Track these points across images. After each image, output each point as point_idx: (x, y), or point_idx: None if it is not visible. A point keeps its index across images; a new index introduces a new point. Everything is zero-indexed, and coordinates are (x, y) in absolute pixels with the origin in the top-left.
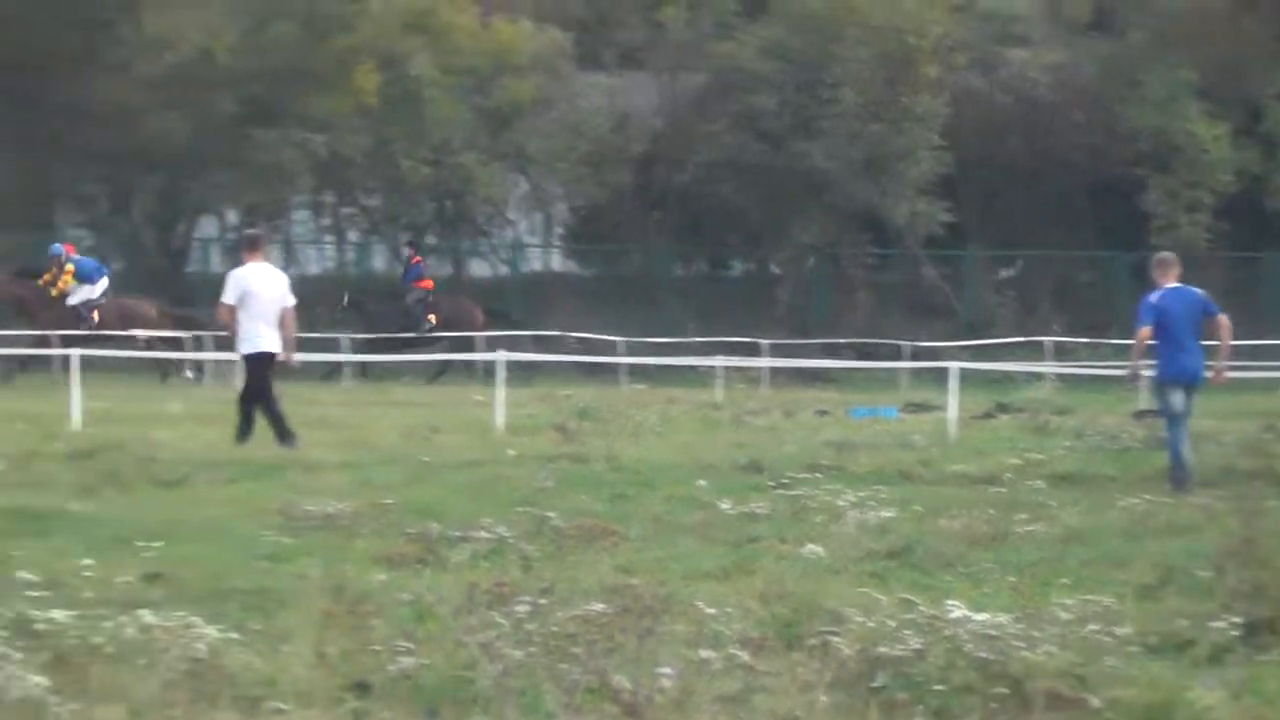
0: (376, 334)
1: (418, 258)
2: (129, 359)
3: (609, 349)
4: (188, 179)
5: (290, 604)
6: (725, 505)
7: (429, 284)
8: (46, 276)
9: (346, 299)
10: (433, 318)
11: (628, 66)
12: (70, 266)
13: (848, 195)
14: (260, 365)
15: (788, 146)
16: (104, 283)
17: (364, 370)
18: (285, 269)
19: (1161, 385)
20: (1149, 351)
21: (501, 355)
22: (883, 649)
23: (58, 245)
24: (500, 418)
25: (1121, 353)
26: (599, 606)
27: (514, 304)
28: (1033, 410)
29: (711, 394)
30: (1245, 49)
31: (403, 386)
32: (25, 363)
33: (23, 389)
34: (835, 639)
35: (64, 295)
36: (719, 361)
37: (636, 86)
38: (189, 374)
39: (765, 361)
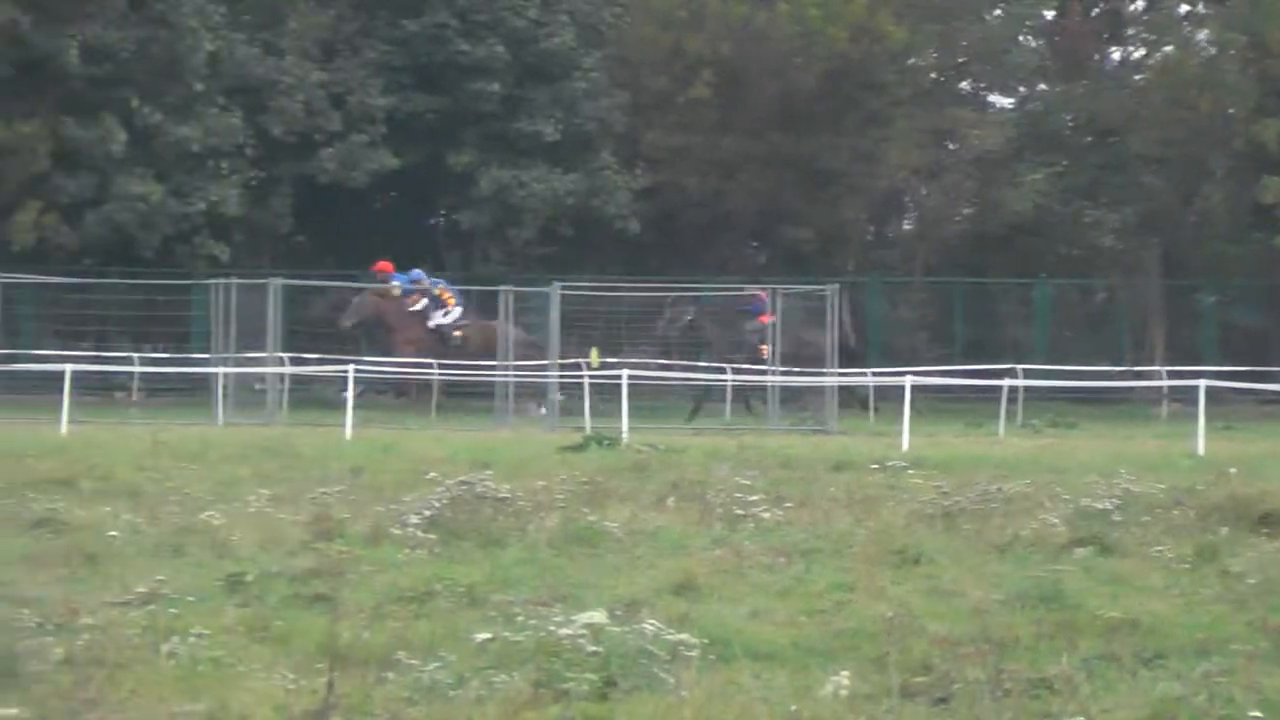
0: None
1: (763, 293)
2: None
3: None
4: None
5: None
6: None
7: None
8: (411, 298)
9: (692, 313)
10: (763, 349)
11: None
12: (444, 288)
13: None
14: None
15: None
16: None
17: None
18: None
19: None
20: None
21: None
22: None
23: (418, 271)
24: None
25: None
26: None
27: None
28: None
29: None
30: None
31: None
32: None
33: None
34: None
35: (424, 315)
36: None
37: None
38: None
39: None
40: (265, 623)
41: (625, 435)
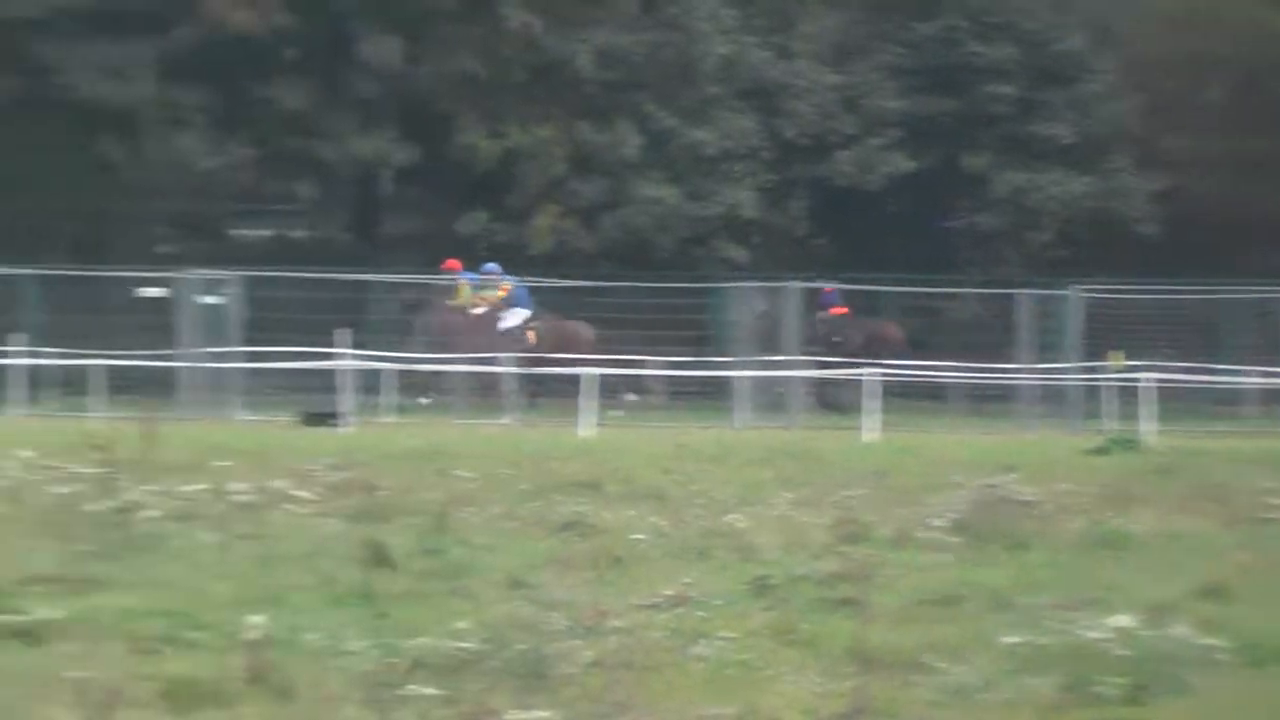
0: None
1: (829, 288)
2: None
3: None
4: None
5: None
6: None
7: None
8: (475, 297)
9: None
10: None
11: None
12: (506, 285)
13: None
14: None
15: None
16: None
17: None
18: None
19: None
20: None
21: None
22: None
23: (492, 264)
24: None
25: None
26: None
27: None
28: None
29: None
30: None
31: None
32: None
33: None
34: None
35: (493, 319)
36: None
37: None
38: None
39: None
40: (792, 626)
41: (1147, 437)
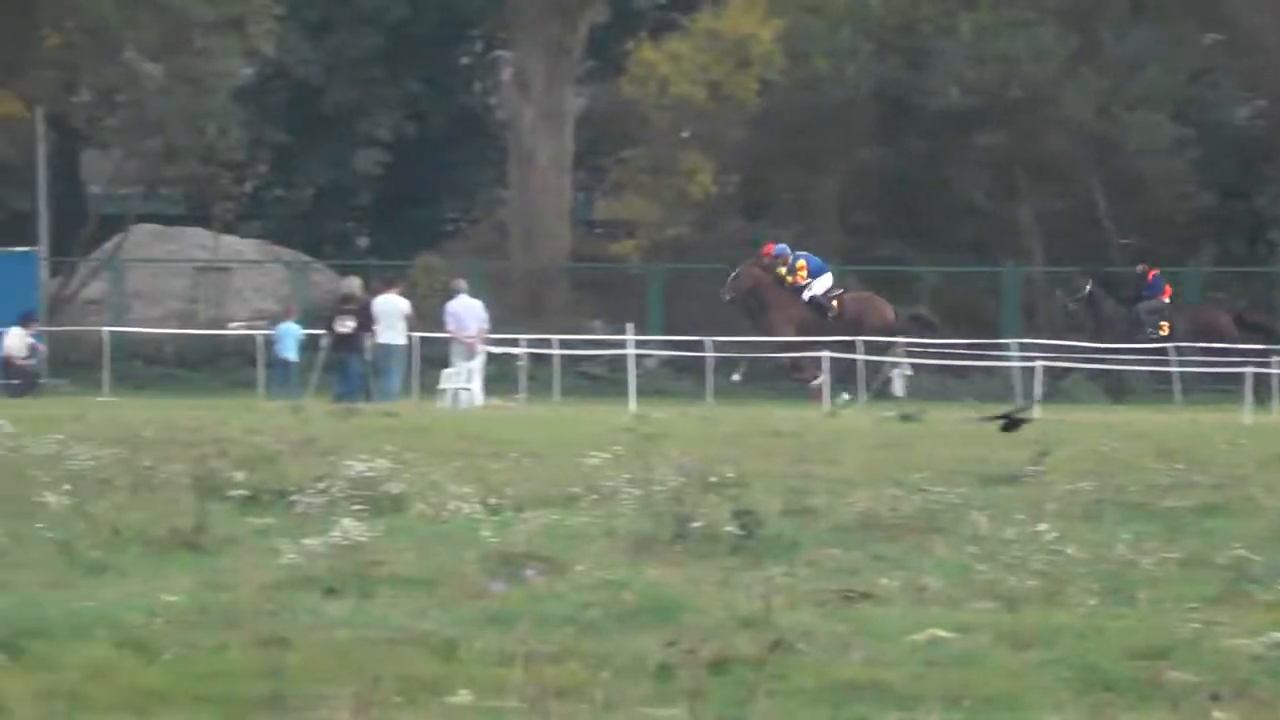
0: (1102, 337)
1: (1153, 271)
2: None
3: None
4: None
5: None
6: None
7: (1168, 292)
8: (781, 271)
9: (1089, 288)
10: (1164, 326)
11: None
12: (802, 263)
13: None
14: None
15: None
16: (828, 276)
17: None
18: None
19: None
20: None
21: None
22: None
23: (783, 246)
24: None
25: None
26: None
27: None
28: None
29: None
30: None
31: None
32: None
33: None
34: None
35: (800, 289)
36: None
37: None
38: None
39: None
40: None
41: None
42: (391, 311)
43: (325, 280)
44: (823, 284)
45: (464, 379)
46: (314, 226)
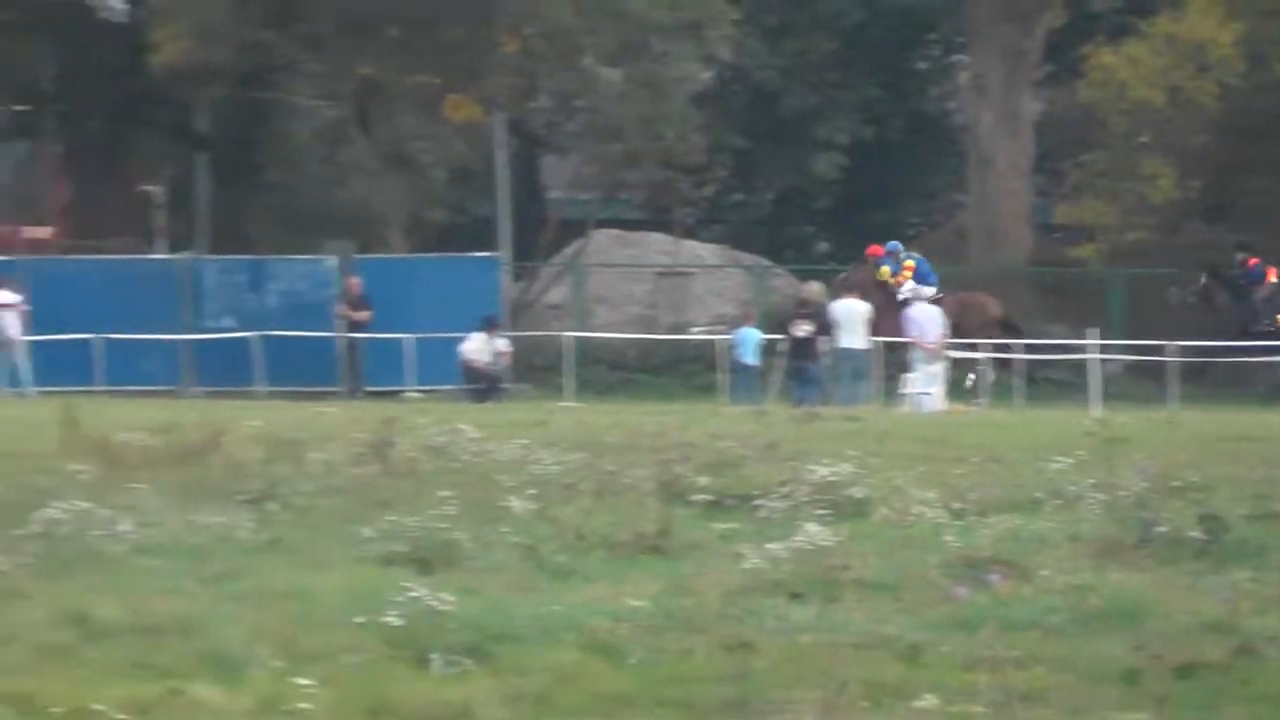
0: (1218, 329)
1: (1254, 259)
2: None
3: None
4: None
5: None
6: None
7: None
8: (885, 270)
9: (1204, 278)
10: None
11: None
12: (910, 263)
13: None
14: None
15: None
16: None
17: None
18: None
19: None
20: None
21: None
22: None
23: (895, 243)
24: None
25: None
26: None
27: None
28: None
29: None
30: None
31: None
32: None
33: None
34: None
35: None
36: None
37: None
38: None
39: None
40: None
41: None
42: (852, 316)
43: (785, 285)
44: (923, 289)
45: (926, 384)
46: (773, 231)
